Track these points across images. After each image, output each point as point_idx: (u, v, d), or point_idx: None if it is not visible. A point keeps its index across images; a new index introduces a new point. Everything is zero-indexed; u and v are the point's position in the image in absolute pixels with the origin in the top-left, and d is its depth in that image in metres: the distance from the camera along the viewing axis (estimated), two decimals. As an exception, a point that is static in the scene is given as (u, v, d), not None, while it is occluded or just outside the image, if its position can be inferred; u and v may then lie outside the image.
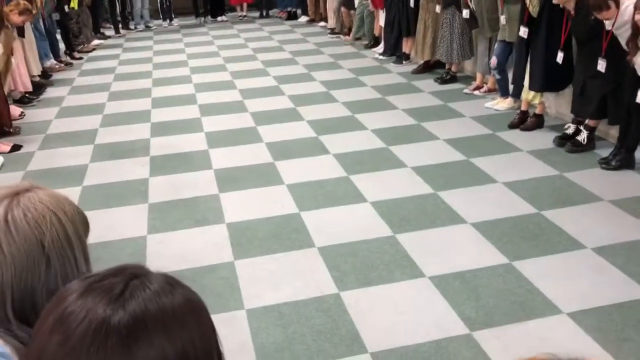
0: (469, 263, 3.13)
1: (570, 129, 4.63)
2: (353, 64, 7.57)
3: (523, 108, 5.06)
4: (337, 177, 4.28)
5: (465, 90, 6.08)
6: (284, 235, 3.52)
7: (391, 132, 5.13)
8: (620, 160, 4.16)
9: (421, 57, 6.81)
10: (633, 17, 3.63)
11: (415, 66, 7.01)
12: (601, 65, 4.14)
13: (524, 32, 4.73)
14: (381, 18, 7.73)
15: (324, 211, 3.79)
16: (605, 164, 4.20)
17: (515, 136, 4.87)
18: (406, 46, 7.23)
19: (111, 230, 3.62)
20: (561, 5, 4.36)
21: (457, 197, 3.88)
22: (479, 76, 6.06)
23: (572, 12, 4.29)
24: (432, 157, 4.53)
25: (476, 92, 6.00)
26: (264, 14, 11.61)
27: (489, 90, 5.93)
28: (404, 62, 7.24)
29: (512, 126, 5.01)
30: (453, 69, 6.45)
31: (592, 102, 4.31)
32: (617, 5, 3.86)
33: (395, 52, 7.46)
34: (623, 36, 3.90)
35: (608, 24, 3.97)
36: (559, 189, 3.94)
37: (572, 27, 4.34)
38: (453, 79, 6.43)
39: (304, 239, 3.46)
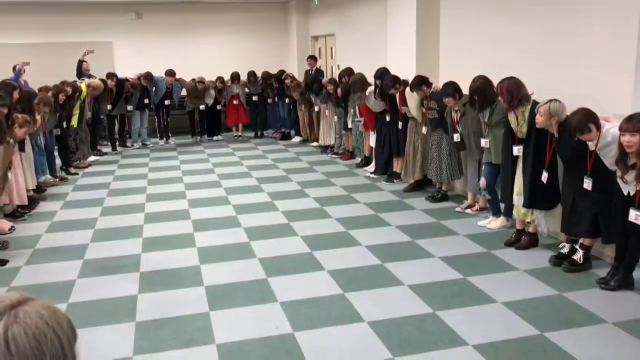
0: (474, 389, 2.96)
1: (565, 248, 4.62)
2: (345, 181, 7.70)
3: (518, 227, 5.09)
4: (332, 295, 4.16)
5: (458, 209, 6.14)
6: (276, 357, 3.34)
7: (386, 249, 5.09)
8: (619, 281, 4.10)
9: (412, 177, 6.96)
10: (619, 140, 3.75)
11: (406, 185, 7.14)
12: (587, 184, 4.22)
13: (517, 150, 4.87)
14: (371, 139, 8.02)
15: (319, 331, 3.63)
16: (604, 284, 4.14)
17: (510, 255, 4.84)
18: (397, 166, 7.41)
19: (95, 350, 3.42)
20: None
21: (456, 317, 3.76)
22: (470, 195, 6.15)
23: (556, 135, 4.45)
24: (428, 275, 4.46)
25: (468, 211, 6.05)
26: (259, 134, 12.00)
27: (481, 209, 6.00)
28: (395, 180, 7.38)
29: (509, 244, 5.00)
30: (444, 187, 6.56)
31: (584, 220, 4.34)
32: (598, 128, 4.01)
33: (386, 171, 7.64)
34: (607, 156, 4.02)
35: (591, 145, 4.10)
36: (560, 309, 3.85)
37: (557, 148, 4.48)
38: (444, 197, 6.52)
39: (298, 362, 3.28)
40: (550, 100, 4.39)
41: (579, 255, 4.49)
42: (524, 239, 5.00)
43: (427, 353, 3.33)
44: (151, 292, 4.32)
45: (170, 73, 11.11)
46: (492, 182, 5.44)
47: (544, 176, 4.64)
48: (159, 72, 11.10)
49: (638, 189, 3.81)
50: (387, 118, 7.31)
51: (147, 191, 7.55)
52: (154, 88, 11.03)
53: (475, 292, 4.14)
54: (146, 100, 11.01)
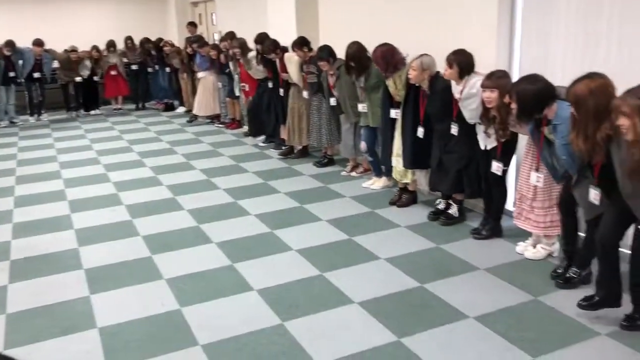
0: (359, 345, 3.06)
1: (442, 204, 4.87)
2: (233, 151, 7.58)
3: (400, 186, 5.28)
4: (221, 267, 4.11)
5: (343, 173, 6.26)
6: (163, 335, 3.26)
7: (274, 216, 5.09)
8: (490, 230, 4.41)
9: (298, 143, 6.98)
10: (503, 108, 3.90)
11: (289, 150, 7.16)
12: (454, 129, 4.42)
13: (395, 113, 5.01)
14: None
15: (207, 305, 3.58)
16: (477, 233, 4.43)
17: (392, 213, 5.03)
18: (283, 132, 7.39)
19: (-42, 349, 3.14)
20: (417, 84, 4.67)
21: (343, 277, 3.86)
22: (351, 159, 6.27)
23: (427, 91, 4.61)
24: (316, 239, 4.53)
25: (353, 174, 6.20)
26: (140, 106, 11.45)
27: (365, 171, 6.16)
28: (283, 147, 7.37)
29: (392, 203, 5.19)
30: (329, 152, 6.65)
31: (449, 177, 4.59)
32: (462, 71, 4.19)
33: (273, 138, 7.61)
34: (467, 108, 4.23)
35: (456, 93, 4.30)
36: (438, 261, 4.07)
37: (427, 104, 4.66)
38: (331, 162, 6.63)
39: (185, 338, 3.22)
40: (422, 55, 4.54)
41: (454, 210, 4.76)
42: (404, 197, 5.21)
43: (314, 315, 3.40)
44: (24, 280, 4.02)
45: (38, 43, 10.21)
46: (372, 144, 5.59)
47: (420, 131, 4.78)
48: (24, 43, 10.16)
49: (498, 142, 4.07)
50: (270, 85, 7.23)
51: (17, 173, 6.97)
52: (20, 60, 10.09)
53: (360, 251, 4.27)
54: (11, 74, 10.07)
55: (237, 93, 8.54)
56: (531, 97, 3.39)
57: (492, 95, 3.84)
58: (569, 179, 3.47)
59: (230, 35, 8.48)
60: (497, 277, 3.77)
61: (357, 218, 4.97)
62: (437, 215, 4.81)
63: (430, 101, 4.61)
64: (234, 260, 4.19)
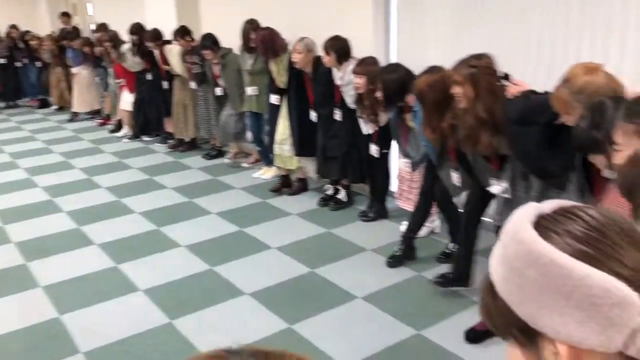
0: (251, 335, 3.05)
1: (330, 190, 4.96)
2: (116, 147, 7.23)
3: (283, 173, 5.29)
4: (104, 269, 3.91)
5: (226, 161, 6.17)
6: (42, 346, 3.05)
7: (161, 212, 4.93)
8: (376, 212, 4.55)
9: (185, 136, 6.79)
10: (372, 94, 4.01)
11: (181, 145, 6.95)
12: (338, 115, 4.49)
13: (275, 99, 5.00)
14: (124, 101, 7.52)
15: (89, 310, 3.39)
16: (364, 216, 4.56)
17: (283, 202, 5.05)
18: (169, 125, 7.15)
19: None
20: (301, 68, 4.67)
21: (234, 269, 3.82)
22: (231, 145, 6.20)
23: (311, 75, 4.65)
24: (205, 233, 4.44)
25: (244, 164, 6.14)
26: (12, 103, 10.58)
27: (256, 161, 6.12)
28: (169, 141, 7.14)
29: (274, 190, 5.18)
30: (217, 144, 6.54)
31: (334, 162, 4.69)
32: (340, 57, 4.27)
33: (147, 132, 7.34)
34: (347, 94, 4.34)
35: (337, 79, 4.38)
36: (328, 245, 4.14)
37: (313, 89, 4.70)
38: (220, 153, 6.51)
39: (66, 346, 3.03)
40: (303, 38, 4.56)
41: (342, 195, 4.86)
42: (295, 185, 5.24)
43: (204, 310, 3.34)
44: None
45: None
46: (258, 132, 5.55)
47: (313, 115, 4.79)
48: None
49: (374, 128, 4.20)
50: (150, 77, 6.94)
51: None
52: None
53: (250, 242, 4.24)
54: None
55: (110, 87, 8.10)
56: (393, 86, 3.55)
57: (360, 81, 3.96)
58: (428, 164, 3.65)
59: (103, 27, 8.05)
60: (383, 257, 3.89)
61: (248, 209, 4.93)
62: (327, 201, 4.89)
63: (314, 86, 4.65)
64: (118, 262, 4.00)
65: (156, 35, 6.57)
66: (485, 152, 2.93)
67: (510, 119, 2.72)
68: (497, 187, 2.91)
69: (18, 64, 10.32)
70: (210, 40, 5.63)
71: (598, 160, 2.03)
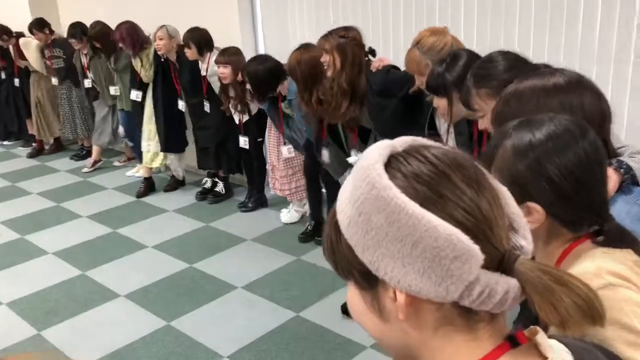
0: (128, 337, 2.96)
1: (208, 182, 4.90)
2: (-29, 154, 6.62)
3: (145, 175, 5.08)
4: (-41, 286, 3.59)
5: (116, 163, 5.88)
6: None
7: (27, 219, 4.60)
8: (255, 201, 4.57)
9: (49, 136, 6.35)
10: (238, 83, 3.98)
11: (47, 147, 6.51)
12: (207, 107, 4.42)
13: (135, 95, 4.84)
14: None
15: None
16: (243, 206, 4.56)
17: (159, 199, 4.91)
18: (30, 127, 6.65)
19: None
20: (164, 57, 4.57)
21: (107, 272, 3.67)
22: (95, 149, 5.78)
23: (176, 64, 4.55)
24: (76, 237, 4.21)
25: (116, 163, 5.88)
26: None
27: (129, 159, 5.88)
28: (33, 144, 6.64)
29: (139, 196, 4.97)
30: (86, 143, 6.19)
31: (210, 154, 4.65)
32: (201, 48, 4.23)
33: (20, 135, 6.80)
34: (216, 84, 4.25)
35: (202, 69, 4.33)
36: (207, 239, 4.10)
37: (180, 78, 4.59)
38: (89, 153, 6.16)
39: None
40: (163, 25, 4.45)
41: (220, 187, 4.82)
42: (171, 181, 5.11)
43: (76, 317, 3.18)
44: None
45: None
46: (132, 129, 5.33)
47: (181, 104, 4.69)
48: None
49: (241, 118, 4.21)
50: (3, 75, 6.41)
51: None
52: None
53: (125, 243, 4.09)
54: None
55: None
56: (262, 77, 3.60)
57: (225, 71, 3.95)
58: (307, 146, 3.75)
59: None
60: (263, 245, 3.93)
61: (122, 209, 4.74)
62: (205, 195, 4.83)
63: (180, 75, 4.56)
64: (-24, 276, 3.70)
65: (4, 31, 6.05)
66: (342, 121, 3.05)
67: (373, 90, 2.86)
68: (354, 158, 3.06)
69: None
70: (79, 30, 5.29)
71: (441, 103, 2.12)
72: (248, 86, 3.67)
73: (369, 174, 0.61)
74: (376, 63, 2.95)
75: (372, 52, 3.03)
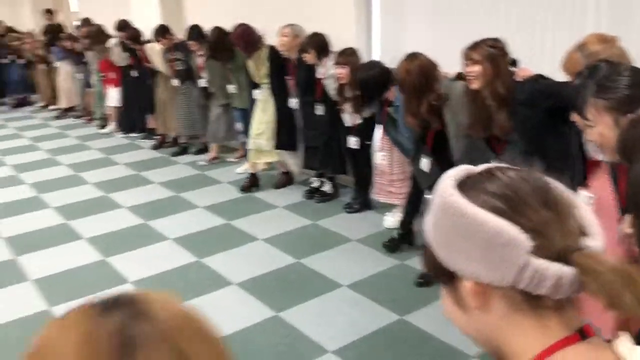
0: (239, 324, 3.13)
1: (315, 182, 5.04)
2: (102, 144, 7.25)
3: (251, 170, 5.26)
4: (93, 262, 3.97)
5: (201, 163, 6.14)
6: (33, 338, 3.10)
7: (149, 207, 4.98)
8: (360, 203, 4.64)
9: (170, 132, 6.80)
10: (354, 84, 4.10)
11: (167, 141, 6.98)
12: (319, 110, 4.58)
13: (257, 93, 5.07)
14: (112, 97, 7.56)
15: (78, 302, 3.44)
16: (349, 208, 4.65)
17: (269, 195, 5.12)
18: (153, 122, 7.16)
19: None
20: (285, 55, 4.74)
21: (220, 260, 3.89)
22: (213, 147, 6.15)
23: (296, 63, 4.71)
24: (193, 226, 4.50)
25: (230, 159, 6.18)
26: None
27: (242, 156, 6.16)
28: (155, 137, 7.16)
29: (244, 189, 5.17)
30: (202, 140, 6.56)
31: (315, 153, 4.77)
32: (319, 53, 4.36)
33: (134, 129, 7.36)
34: (330, 87, 4.41)
35: (319, 73, 4.46)
36: (313, 236, 4.23)
37: (297, 76, 4.74)
38: (205, 149, 6.54)
39: (57, 337, 3.09)
40: (291, 24, 4.62)
41: (327, 187, 4.94)
42: (280, 178, 5.31)
43: (192, 300, 3.39)
44: None
45: None
46: (246, 126, 5.59)
47: (293, 102, 4.83)
48: None
49: (358, 119, 4.28)
50: (136, 73, 6.95)
51: None
52: None
53: (237, 234, 4.31)
54: None
55: (92, 83, 8.11)
56: (370, 83, 3.66)
57: (343, 72, 4.04)
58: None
59: (85, 23, 8.04)
60: (367, 247, 3.99)
61: (235, 202, 5.00)
62: (312, 194, 4.97)
63: (298, 73, 4.69)
64: (106, 255, 4.06)
65: (135, 35, 6.58)
66: (499, 133, 2.95)
67: (518, 100, 2.81)
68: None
69: (3, 61, 10.25)
70: (195, 32, 5.66)
71: (577, 119, 1.99)
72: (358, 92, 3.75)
73: (441, 188, 0.76)
74: (521, 72, 2.91)
75: (514, 62, 2.99)
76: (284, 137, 4.99)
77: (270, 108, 5.01)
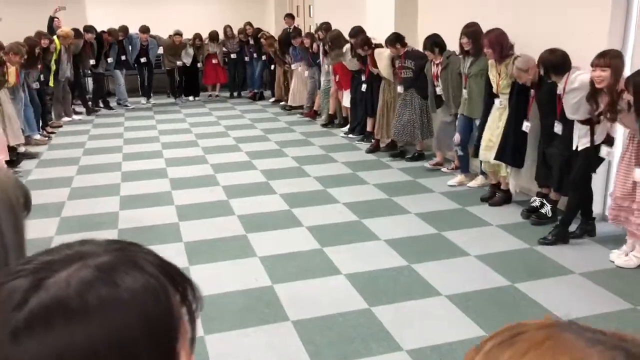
0: (446, 335, 3.09)
1: (536, 202, 4.75)
2: (323, 141, 7.73)
3: (493, 182, 5.19)
4: (311, 249, 4.25)
5: (426, 165, 6.24)
6: (256, 308, 3.43)
7: (363, 205, 5.17)
8: (581, 229, 4.28)
9: (386, 137, 6.99)
10: (590, 79, 3.81)
11: (382, 145, 7.19)
12: (558, 128, 4.31)
13: (499, 102, 4.94)
14: (345, 99, 8.00)
15: (297, 283, 3.73)
16: (543, 239, 4.24)
17: (484, 211, 4.96)
18: (370, 125, 7.42)
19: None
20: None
21: (431, 270, 3.88)
22: (438, 154, 6.27)
23: (534, 89, 4.51)
24: (404, 230, 4.57)
25: (444, 170, 6.15)
26: (235, 94, 11.85)
27: (456, 168, 6.08)
28: (371, 140, 7.41)
29: (484, 200, 5.12)
30: (418, 147, 6.63)
31: (554, 172, 4.47)
32: (557, 71, 4.12)
33: (363, 131, 7.67)
34: (568, 103, 4.09)
35: (560, 89, 4.17)
36: (530, 261, 3.99)
37: (536, 96, 4.55)
38: (420, 156, 6.60)
39: (277, 313, 3.37)
40: (517, 56, 4.46)
41: (546, 209, 4.63)
42: (498, 196, 5.12)
43: (401, 303, 3.45)
44: (131, 248, 4.34)
45: (144, 30, 10.79)
46: (466, 138, 5.51)
47: (526, 125, 4.68)
48: (132, 30, 10.82)
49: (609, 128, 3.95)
50: (363, 77, 7.28)
51: (124, 150, 7.49)
52: (129, 46, 10.75)
53: (449, 246, 4.26)
54: (123, 57, 10.73)
55: (321, 84, 8.70)
56: None
57: (602, 74, 3.67)
58: None
59: (325, 27, 8.63)
60: (591, 282, 3.65)
61: (447, 214, 4.95)
62: (530, 213, 4.70)
63: (538, 99, 4.54)
64: (323, 245, 4.32)
65: (365, 41, 6.86)
66: None
67: None
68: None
69: (246, 59, 11.55)
70: (432, 42, 5.74)
71: None
72: (628, 98, 3.40)
73: None
74: None
75: None
76: (509, 151, 4.80)
77: (504, 120, 4.85)
